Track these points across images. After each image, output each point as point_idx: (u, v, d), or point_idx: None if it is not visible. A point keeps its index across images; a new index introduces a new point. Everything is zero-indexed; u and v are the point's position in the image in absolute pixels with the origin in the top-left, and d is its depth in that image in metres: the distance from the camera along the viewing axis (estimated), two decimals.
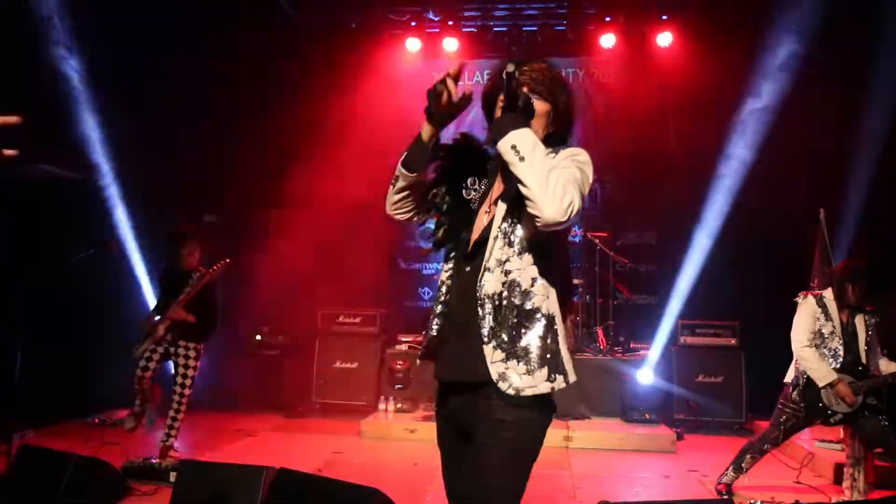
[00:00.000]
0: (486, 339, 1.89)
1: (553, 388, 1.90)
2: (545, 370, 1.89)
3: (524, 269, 1.91)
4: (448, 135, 2.13)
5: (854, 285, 4.28)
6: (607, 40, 8.46)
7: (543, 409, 1.93)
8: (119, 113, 7.02)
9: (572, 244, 7.69)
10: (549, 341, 1.91)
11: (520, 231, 1.92)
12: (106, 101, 7.05)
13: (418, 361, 2.12)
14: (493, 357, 1.88)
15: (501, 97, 1.87)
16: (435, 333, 2.03)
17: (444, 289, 2.05)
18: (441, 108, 1.96)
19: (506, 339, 1.88)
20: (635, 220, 8.38)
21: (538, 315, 1.91)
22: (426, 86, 1.96)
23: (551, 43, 8.69)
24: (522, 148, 1.76)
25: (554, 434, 6.10)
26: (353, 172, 7.51)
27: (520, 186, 1.78)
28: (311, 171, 7.54)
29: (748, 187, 7.45)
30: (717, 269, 7.68)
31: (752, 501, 4.18)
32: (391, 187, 2.10)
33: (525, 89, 1.95)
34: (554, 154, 1.92)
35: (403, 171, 2.04)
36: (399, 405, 6.90)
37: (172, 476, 4.22)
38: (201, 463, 4.29)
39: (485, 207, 2.04)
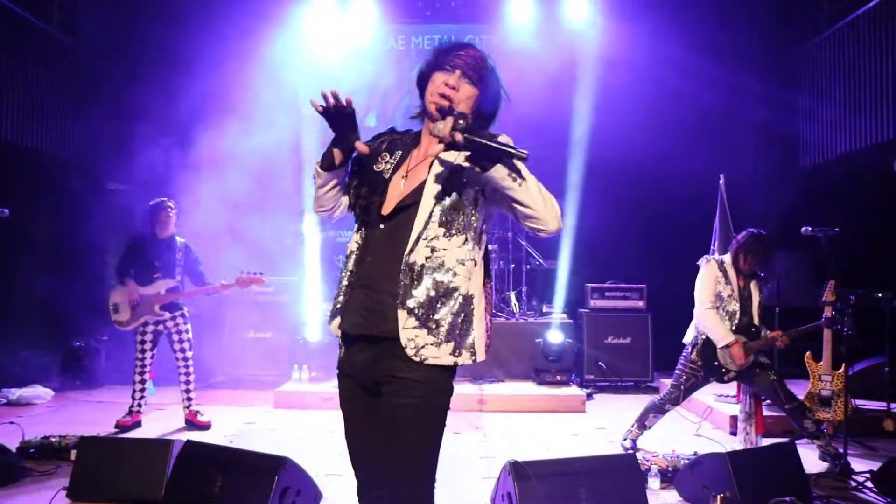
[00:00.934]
0: (400, 304, 1.92)
1: (456, 363, 1.96)
2: (451, 345, 1.94)
3: (451, 249, 1.96)
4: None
5: (750, 255, 4.51)
6: (518, 7, 8.49)
7: (447, 371, 1.98)
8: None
9: None
10: (461, 319, 1.96)
11: (452, 214, 1.97)
12: None
13: (329, 323, 2.12)
14: (406, 323, 1.92)
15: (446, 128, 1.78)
16: (343, 294, 2.06)
17: (353, 254, 2.08)
18: (341, 129, 2.01)
19: (421, 309, 1.92)
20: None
21: (456, 294, 1.96)
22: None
23: (463, 8, 8.61)
24: (524, 171, 1.84)
25: (468, 398, 6.21)
26: (264, 134, 7.27)
27: (518, 207, 1.86)
28: (219, 134, 7.23)
29: (654, 154, 7.64)
30: (624, 234, 7.94)
31: (654, 454, 4.37)
32: (314, 186, 2.15)
33: (457, 72, 2.02)
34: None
35: (320, 170, 2.08)
36: (313, 374, 6.84)
37: (73, 454, 4.04)
38: (103, 438, 4.14)
39: (400, 173, 2.07)
